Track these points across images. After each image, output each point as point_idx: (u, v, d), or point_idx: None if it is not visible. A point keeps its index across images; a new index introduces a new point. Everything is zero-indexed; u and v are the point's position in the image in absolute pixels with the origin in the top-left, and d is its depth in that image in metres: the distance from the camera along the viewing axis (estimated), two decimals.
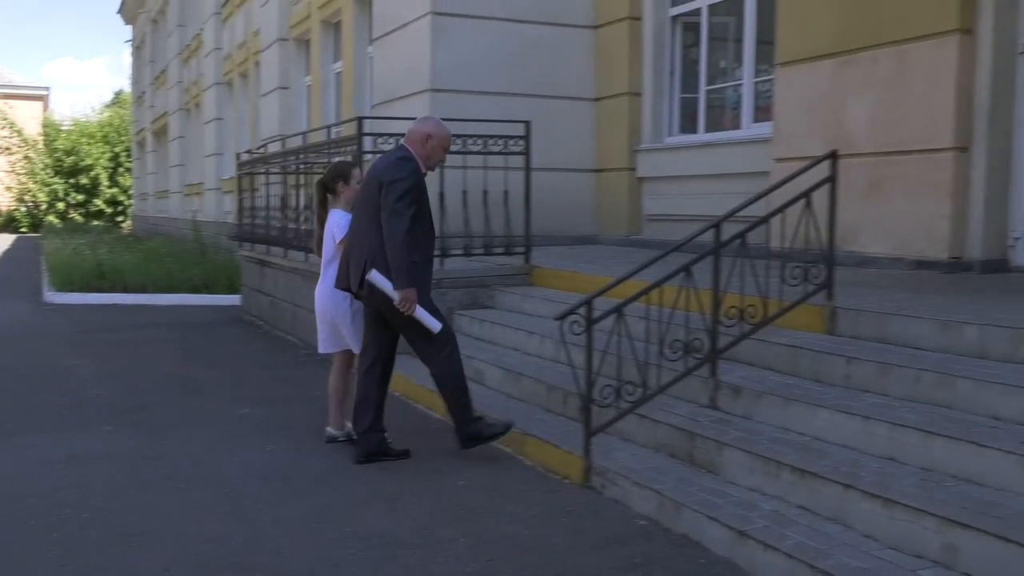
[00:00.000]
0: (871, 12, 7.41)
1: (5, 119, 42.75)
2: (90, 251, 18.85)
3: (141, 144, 37.26)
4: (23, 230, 42.39)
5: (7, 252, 28.67)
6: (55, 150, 42.84)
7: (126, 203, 42.87)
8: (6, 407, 7.05)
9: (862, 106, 7.54)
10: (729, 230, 5.09)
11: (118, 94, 51.92)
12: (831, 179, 5.38)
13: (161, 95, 31.95)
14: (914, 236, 7.17)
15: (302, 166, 9.71)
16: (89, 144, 42.40)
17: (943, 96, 6.92)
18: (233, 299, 13.65)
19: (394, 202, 5.09)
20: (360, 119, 7.90)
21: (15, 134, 43.14)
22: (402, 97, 10.87)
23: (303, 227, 9.51)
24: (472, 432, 5.41)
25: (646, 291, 4.99)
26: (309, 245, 9.29)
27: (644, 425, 5.10)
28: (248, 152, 12.91)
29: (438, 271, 8.18)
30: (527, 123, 8.34)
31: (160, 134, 32.74)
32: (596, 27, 11.11)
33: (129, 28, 40.13)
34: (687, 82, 10.68)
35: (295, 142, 11.16)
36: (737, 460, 4.45)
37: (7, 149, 42.91)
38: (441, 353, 5.37)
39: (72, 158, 42.30)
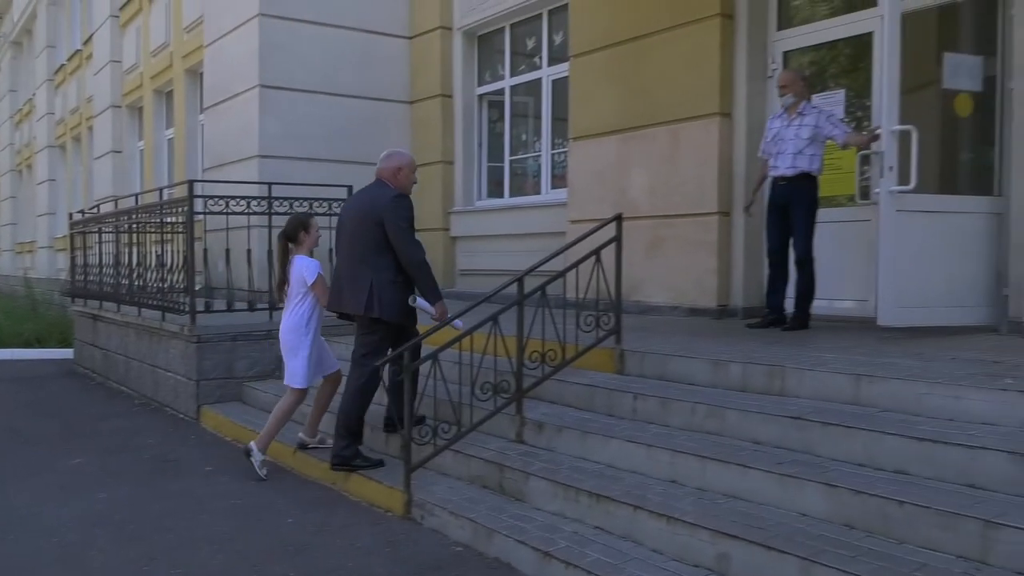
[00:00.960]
0: (649, 96, 7.80)
1: None
2: None
3: None
4: None
5: None
6: None
7: None
8: None
9: (642, 176, 7.90)
10: (531, 283, 5.19)
11: None
12: (617, 239, 5.58)
13: None
14: (689, 287, 7.53)
15: (135, 225, 9.28)
16: None
17: (709, 168, 7.34)
18: (66, 353, 12.76)
19: (405, 235, 5.25)
20: (191, 182, 7.62)
21: None
22: (232, 162, 10.60)
23: (136, 283, 9.07)
24: (345, 455, 5.40)
25: (459, 339, 5.02)
26: (142, 300, 8.89)
27: (459, 460, 5.09)
28: (81, 212, 12.22)
29: (268, 323, 8.00)
30: (350, 187, 8.25)
31: None
32: (412, 102, 11.22)
33: None
34: (494, 152, 10.90)
35: (128, 203, 10.65)
36: (541, 488, 4.50)
37: None
38: (367, 368, 5.34)
39: None
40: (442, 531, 4.60)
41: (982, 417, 3.85)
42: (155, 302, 8.48)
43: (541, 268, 5.41)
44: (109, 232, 10.29)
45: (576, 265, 5.38)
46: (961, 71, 6.05)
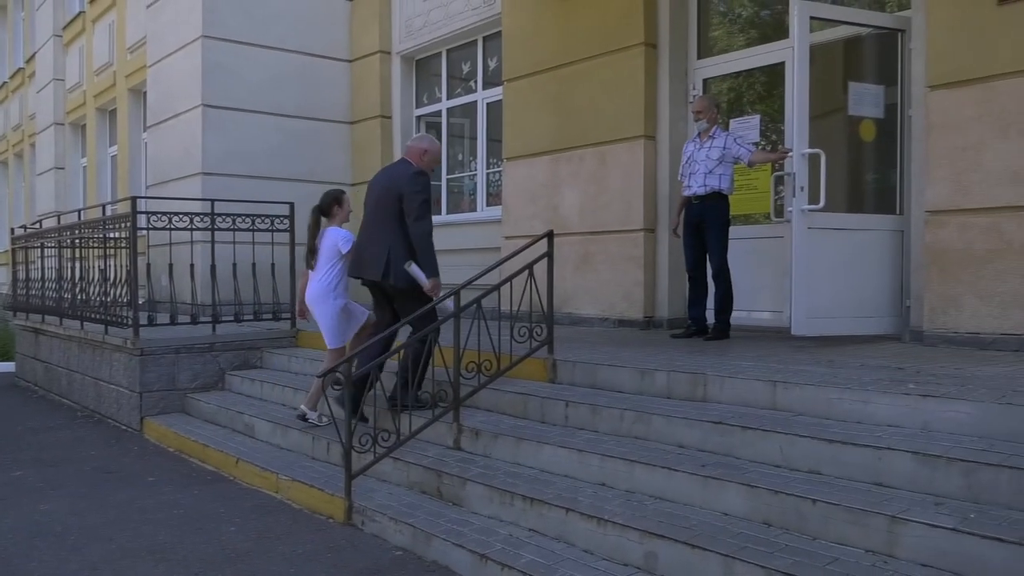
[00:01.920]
0: (578, 120, 7.88)
1: None
2: None
3: None
4: None
5: None
6: None
7: None
8: None
9: (573, 194, 7.96)
10: (467, 296, 5.18)
11: None
12: (549, 254, 5.60)
13: None
14: (617, 300, 7.60)
15: (78, 240, 9.01)
16: None
17: (635, 187, 7.43)
18: (8, 366, 12.31)
19: (418, 209, 5.34)
20: (134, 198, 7.44)
21: None
22: (176, 179, 10.38)
23: (79, 297, 8.79)
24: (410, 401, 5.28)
25: (398, 350, 4.98)
26: (85, 314, 8.62)
27: (399, 467, 5.04)
28: (23, 227, 11.83)
29: (210, 335, 7.85)
30: (291, 204, 8.18)
31: None
32: (353, 123, 11.15)
33: None
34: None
35: (71, 218, 10.36)
36: (478, 493, 4.48)
37: None
38: (428, 325, 5.22)
39: None
40: (382, 536, 4.53)
41: (888, 420, 3.94)
42: (98, 316, 8.24)
43: (477, 282, 5.41)
44: (52, 247, 9.99)
45: (510, 279, 5.39)
46: (865, 99, 6.23)
